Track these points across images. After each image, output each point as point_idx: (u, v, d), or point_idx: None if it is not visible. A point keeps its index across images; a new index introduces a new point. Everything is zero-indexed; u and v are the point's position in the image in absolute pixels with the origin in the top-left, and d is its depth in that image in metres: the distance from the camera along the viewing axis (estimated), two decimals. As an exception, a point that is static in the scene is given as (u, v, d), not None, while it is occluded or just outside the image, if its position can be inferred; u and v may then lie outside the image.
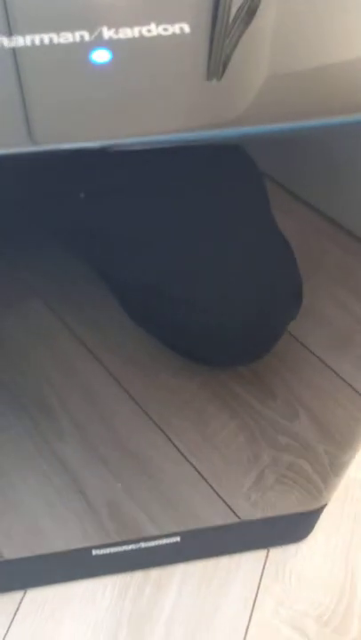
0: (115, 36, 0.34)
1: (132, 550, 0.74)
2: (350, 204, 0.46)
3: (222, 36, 0.36)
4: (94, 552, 0.72)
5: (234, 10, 0.37)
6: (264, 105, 0.37)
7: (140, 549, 0.74)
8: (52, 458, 0.63)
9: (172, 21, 0.35)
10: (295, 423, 0.67)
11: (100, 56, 0.34)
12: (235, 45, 0.36)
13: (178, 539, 0.73)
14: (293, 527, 0.80)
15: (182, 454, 0.66)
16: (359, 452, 0.72)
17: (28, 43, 0.34)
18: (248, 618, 0.79)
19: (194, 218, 0.45)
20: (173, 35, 0.35)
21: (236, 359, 0.60)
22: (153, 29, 0.35)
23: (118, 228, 0.45)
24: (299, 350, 0.58)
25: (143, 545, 0.73)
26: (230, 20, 0.36)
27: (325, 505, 0.77)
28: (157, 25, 0.35)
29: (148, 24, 0.35)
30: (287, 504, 0.75)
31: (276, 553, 0.83)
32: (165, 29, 0.35)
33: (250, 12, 0.37)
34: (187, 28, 0.35)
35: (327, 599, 0.80)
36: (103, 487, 0.68)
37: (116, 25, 0.35)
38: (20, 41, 0.34)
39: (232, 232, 0.48)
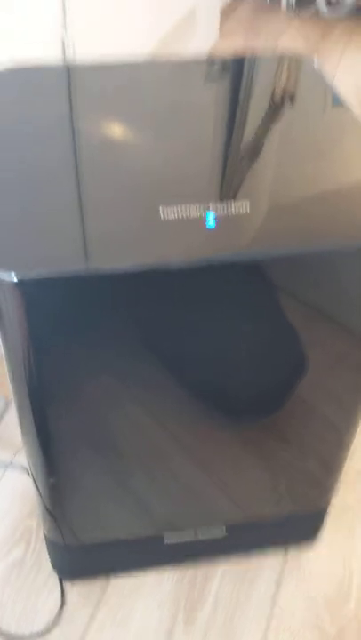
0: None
1: (187, 542, 1.03)
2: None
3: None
4: (166, 540, 1.01)
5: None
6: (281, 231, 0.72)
7: (195, 542, 1.03)
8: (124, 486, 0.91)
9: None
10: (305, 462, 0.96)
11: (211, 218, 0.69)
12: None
13: (223, 530, 1.03)
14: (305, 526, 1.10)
15: (220, 486, 0.95)
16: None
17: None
18: (272, 600, 1.07)
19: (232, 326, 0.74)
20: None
21: (257, 413, 0.90)
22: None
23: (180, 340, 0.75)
24: (306, 409, 0.87)
25: (200, 536, 1.02)
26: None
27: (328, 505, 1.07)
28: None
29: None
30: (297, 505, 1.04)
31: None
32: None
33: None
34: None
35: (333, 587, 1.08)
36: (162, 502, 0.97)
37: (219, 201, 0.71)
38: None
39: (253, 334, 0.77)
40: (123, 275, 0.65)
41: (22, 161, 0.76)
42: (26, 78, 0.91)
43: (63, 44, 1.51)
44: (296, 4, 2.81)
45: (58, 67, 0.94)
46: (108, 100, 0.88)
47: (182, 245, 0.67)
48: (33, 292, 0.64)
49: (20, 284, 0.62)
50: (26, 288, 0.63)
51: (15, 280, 0.61)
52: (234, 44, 2.55)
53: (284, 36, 2.66)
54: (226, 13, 2.65)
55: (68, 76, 0.94)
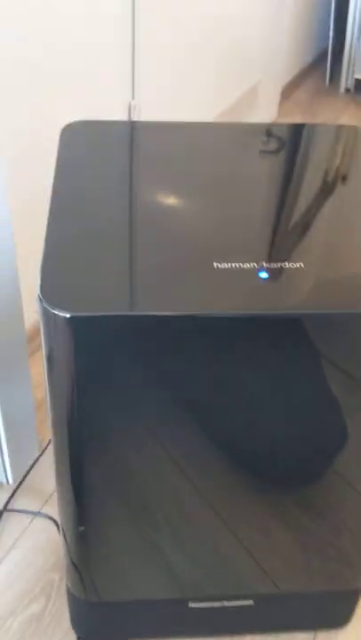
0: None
1: (213, 609, 0.98)
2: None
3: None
4: (190, 604, 0.97)
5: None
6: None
7: (221, 611, 0.99)
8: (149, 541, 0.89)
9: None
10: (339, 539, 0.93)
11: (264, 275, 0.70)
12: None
13: (251, 602, 0.98)
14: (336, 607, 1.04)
15: (248, 553, 0.91)
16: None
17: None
18: None
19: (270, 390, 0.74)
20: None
21: (294, 483, 0.88)
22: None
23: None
24: (342, 484, 0.86)
25: (226, 603, 0.98)
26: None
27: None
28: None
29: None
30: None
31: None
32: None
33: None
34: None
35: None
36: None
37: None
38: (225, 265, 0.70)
39: (293, 397, 0.75)
40: (161, 319, 0.66)
41: (83, 214, 0.78)
42: (91, 134, 0.94)
43: (130, 110, 1.57)
44: (355, 88, 2.89)
45: (122, 122, 0.98)
46: (167, 159, 0.91)
47: (229, 296, 0.68)
48: (81, 329, 0.64)
49: (71, 320, 0.63)
50: (75, 324, 0.64)
51: (67, 316, 0.62)
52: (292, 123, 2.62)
53: (341, 119, 2.73)
54: (285, 95, 2.74)
55: (131, 132, 0.98)
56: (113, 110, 1.54)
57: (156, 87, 1.68)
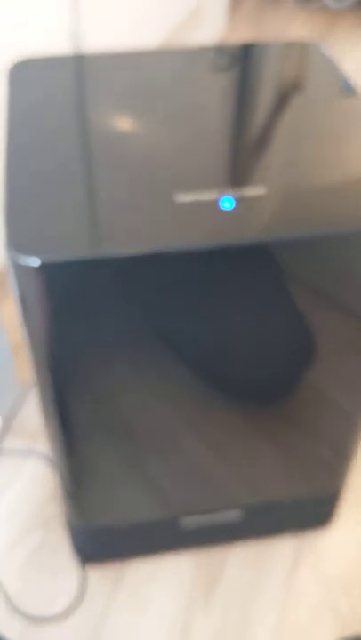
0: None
1: (203, 524, 1.05)
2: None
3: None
4: (182, 524, 1.03)
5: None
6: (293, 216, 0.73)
7: (211, 526, 1.05)
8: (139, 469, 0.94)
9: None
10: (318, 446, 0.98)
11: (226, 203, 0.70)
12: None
13: (238, 512, 1.05)
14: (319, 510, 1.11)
15: (231, 467, 0.97)
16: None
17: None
18: (288, 582, 1.09)
19: (239, 312, 0.76)
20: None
21: (268, 397, 0.92)
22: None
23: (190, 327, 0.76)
24: (317, 395, 0.89)
25: (215, 516, 1.04)
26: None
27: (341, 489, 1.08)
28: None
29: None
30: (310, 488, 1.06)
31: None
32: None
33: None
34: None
35: (348, 569, 1.10)
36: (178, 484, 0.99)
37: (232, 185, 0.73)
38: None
39: (262, 319, 0.78)
40: (132, 258, 0.67)
41: (40, 152, 0.78)
42: (39, 70, 0.92)
43: (72, 35, 1.52)
44: (303, -4, 2.81)
45: (69, 57, 0.96)
46: (119, 90, 0.90)
47: (196, 229, 0.69)
48: (53, 276, 0.66)
49: (42, 267, 0.64)
50: (46, 271, 0.65)
51: (37, 264, 0.63)
52: (241, 38, 2.56)
53: (291, 29, 2.67)
54: (232, 7, 2.66)
55: (80, 66, 0.96)
56: (56, 42, 1.49)
57: (97, 10, 1.63)
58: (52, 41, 1.46)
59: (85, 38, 1.54)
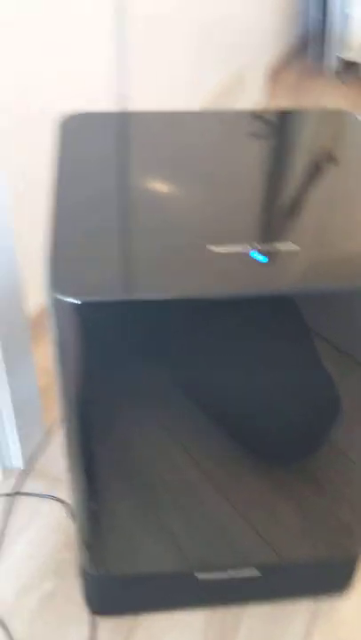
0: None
1: (219, 580, 1.03)
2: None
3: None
4: (197, 575, 1.01)
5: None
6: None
7: (228, 582, 1.03)
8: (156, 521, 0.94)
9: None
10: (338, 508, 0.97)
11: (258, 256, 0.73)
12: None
13: (255, 571, 1.03)
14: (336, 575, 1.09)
15: (251, 525, 0.96)
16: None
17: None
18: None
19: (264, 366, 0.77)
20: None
21: (291, 456, 0.92)
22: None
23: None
24: (339, 455, 0.89)
25: (231, 573, 1.02)
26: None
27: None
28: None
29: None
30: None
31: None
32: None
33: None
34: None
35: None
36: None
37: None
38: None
39: (287, 374, 0.79)
40: (163, 302, 0.69)
41: (84, 202, 0.81)
42: (87, 125, 0.97)
43: (119, 96, 1.59)
44: (340, 67, 2.90)
45: (117, 113, 1.01)
46: (161, 147, 0.94)
47: (228, 278, 0.71)
48: (90, 315, 0.68)
49: (80, 306, 0.66)
50: (84, 310, 0.67)
51: (77, 303, 0.65)
52: (279, 106, 2.64)
53: (329, 99, 2.75)
54: (272, 78, 2.76)
55: (126, 122, 1.00)
56: (103, 100, 1.56)
57: (143, 76, 1.70)
58: (100, 100, 1.52)
59: (131, 100, 1.61)
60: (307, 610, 1.10)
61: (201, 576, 1.02)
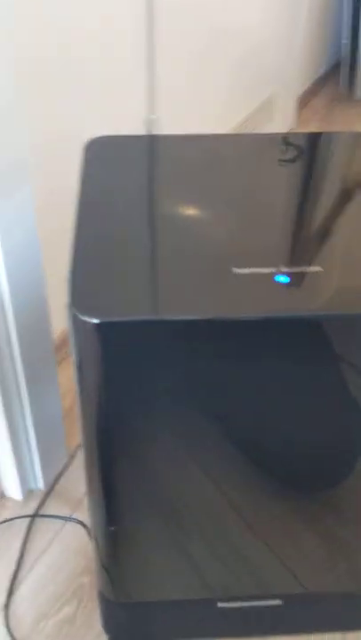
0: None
1: (241, 609, 1.00)
2: None
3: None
4: (219, 604, 0.99)
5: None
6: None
7: (250, 612, 1.00)
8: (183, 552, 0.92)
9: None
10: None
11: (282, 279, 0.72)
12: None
13: (279, 602, 1.00)
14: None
15: (276, 555, 0.93)
16: None
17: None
18: None
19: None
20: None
21: (318, 487, 0.89)
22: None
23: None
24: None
25: (254, 603, 0.99)
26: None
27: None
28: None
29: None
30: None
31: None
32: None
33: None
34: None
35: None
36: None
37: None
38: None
39: (312, 399, 0.77)
40: (184, 322, 0.68)
41: (108, 222, 0.82)
42: (113, 148, 0.98)
43: (149, 124, 1.61)
44: (372, 96, 2.90)
45: (142, 136, 1.01)
46: (188, 169, 0.94)
47: (251, 300, 0.70)
48: (110, 335, 0.67)
49: (100, 325, 0.66)
50: (104, 330, 0.67)
51: (96, 322, 0.65)
52: (309, 131, 2.64)
53: (359, 126, 2.74)
54: (302, 103, 2.77)
55: (152, 145, 1.01)
56: (132, 125, 1.57)
57: (173, 101, 1.72)
58: (127, 128, 1.54)
59: (160, 126, 1.62)
60: None
61: (223, 605, 1.00)
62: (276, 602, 1.00)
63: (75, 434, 1.28)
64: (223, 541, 0.92)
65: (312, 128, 2.68)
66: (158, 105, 1.63)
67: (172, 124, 1.66)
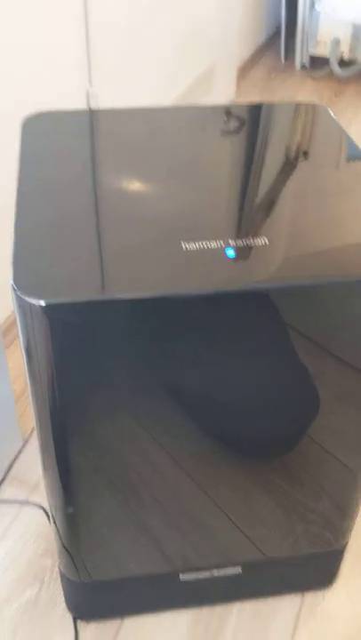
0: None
1: (203, 580, 1.02)
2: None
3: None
4: (181, 576, 1.00)
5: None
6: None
7: (211, 581, 1.02)
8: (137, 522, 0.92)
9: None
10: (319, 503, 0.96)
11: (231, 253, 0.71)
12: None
13: (239, 569, 1.02)
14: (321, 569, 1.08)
15: (233, 523, 0.95)
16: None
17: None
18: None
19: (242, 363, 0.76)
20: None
21: (271, 452, 0.91)
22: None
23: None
24: (318, 450, 0.89)
25: (215, 573, 1.01)
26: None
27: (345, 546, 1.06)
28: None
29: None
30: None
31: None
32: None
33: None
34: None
35: (351, 629, 1.06)
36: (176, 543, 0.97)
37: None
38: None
39: (264, 369, 0.78)
40: (133, 301, 0.68)
41: (49, 202, 0.80)
42: (51, 123, 0.95)
43: (88, 97, 1.58)
44: (310, 63, 2.91)
45: (80, 111, 0.99)
46: (129, 144, 0.92)
47: (200, 275, 0.70)
48: (57, 317, 0.66)
49: (46, 308, 0.64)
50: (51, 312, 0.65)
51: (42, 305, 0.64)
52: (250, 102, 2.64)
53: (298, 95, 2.75)
54: (242, 74, 2.76)
55: (91, 120, 0.99)
56: (71, 99, 1.54)
57: (111, 74, 1.69)
58: (66, 102, 1.51)
59: (98, 99, 1.59)
60: (293, 606, 1.09)
61: (185, 577, 1.01)
62: (237, 569, 1.02)
63: (28, 418, 1.26)
64: (181, 513, 0.93)
65: (252, 98, 2.67)
66: (97, 79, 1.60)
67: (112, 97, 1.63)
